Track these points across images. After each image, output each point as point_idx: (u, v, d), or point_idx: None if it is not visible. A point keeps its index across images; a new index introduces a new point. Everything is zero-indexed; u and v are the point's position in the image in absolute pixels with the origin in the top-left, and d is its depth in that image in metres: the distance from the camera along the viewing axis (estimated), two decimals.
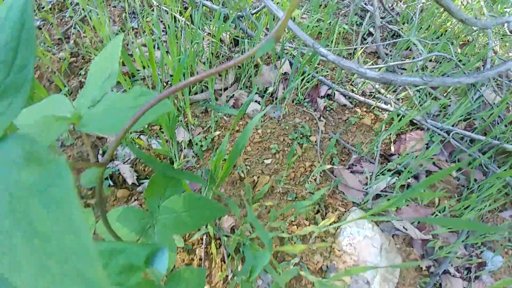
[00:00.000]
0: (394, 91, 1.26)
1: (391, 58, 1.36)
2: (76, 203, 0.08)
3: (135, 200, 0.74)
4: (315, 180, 0.85)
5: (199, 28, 1.07)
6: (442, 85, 0.58)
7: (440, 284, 0.77)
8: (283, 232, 0.70)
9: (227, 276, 0.60)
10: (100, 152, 0.85)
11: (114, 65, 0.32)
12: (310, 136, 0.96)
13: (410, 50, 1.42)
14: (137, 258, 0.28)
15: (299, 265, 0.68)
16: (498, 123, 1.10)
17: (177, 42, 0.90)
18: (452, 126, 1.08)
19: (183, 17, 1.17)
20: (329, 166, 0.76)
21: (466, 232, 0.84)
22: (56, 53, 1.09)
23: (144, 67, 1.05)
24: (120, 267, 0.28)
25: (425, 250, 0.82)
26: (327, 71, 1.23)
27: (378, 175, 0.94)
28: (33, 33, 0.14)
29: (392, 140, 1.08)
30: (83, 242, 0.08)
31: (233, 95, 1.08)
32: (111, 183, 0.77)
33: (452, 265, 0.81)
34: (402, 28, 1.48)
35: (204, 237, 0.70)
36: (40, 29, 1.19)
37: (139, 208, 0.45)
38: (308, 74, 1.10)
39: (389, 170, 0.97)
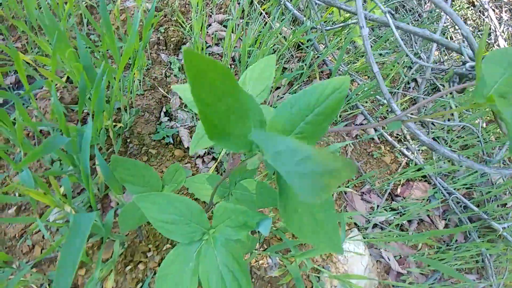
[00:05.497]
0: (419, 141, 1.39)
1: (424, 110, 1.48)
2: None
3: (187, 162, 0.86)
4: (332, 195, 0.98)
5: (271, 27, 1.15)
6: (471, 167, 0.70)
7: None
8: None
9: None
10: (164, 110, 0.96)
11: (269, 82, 0.43)
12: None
13: (445, 108, 1.54)
14: (252, 220, 0.40)
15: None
16: (492, 201, 1.24)
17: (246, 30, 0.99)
18: (454, 189, 1.22)
19: (262, 8, 1.24)
20: (348, 189, 0.89)
21: (435, 278, 1.00)
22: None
23: (216, 44, 1.14)
24: (238, 222, 0.41)
25: (398, 281, 0.98)
26: (367, 103, 1.34)
27: (382, 209, 1.09)
28: (335, 112, 0.26)
29: (401, 183, 1.22)
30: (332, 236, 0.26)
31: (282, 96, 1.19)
32: (171, 141, 0.88)
33: None
34: (444, 86, 1.59)
35: None
36: None
37: (219, 176, 0.57)
38: (349, 101, 1.21)
39: (391, 208, 1.11)
